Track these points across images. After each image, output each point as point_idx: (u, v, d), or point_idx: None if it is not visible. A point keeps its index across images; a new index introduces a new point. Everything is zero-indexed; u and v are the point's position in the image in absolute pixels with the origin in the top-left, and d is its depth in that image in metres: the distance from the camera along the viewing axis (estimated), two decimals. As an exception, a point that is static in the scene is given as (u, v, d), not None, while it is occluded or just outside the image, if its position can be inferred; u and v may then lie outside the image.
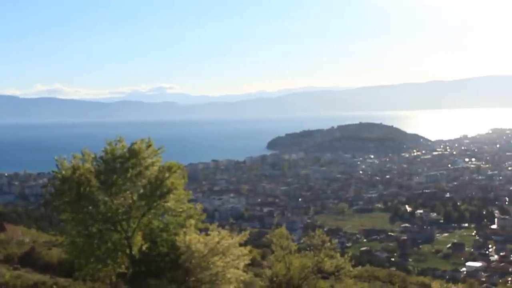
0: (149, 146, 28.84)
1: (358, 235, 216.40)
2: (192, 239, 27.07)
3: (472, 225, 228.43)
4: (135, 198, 28.40)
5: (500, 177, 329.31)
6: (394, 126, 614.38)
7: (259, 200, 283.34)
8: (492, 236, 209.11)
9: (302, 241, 34.85)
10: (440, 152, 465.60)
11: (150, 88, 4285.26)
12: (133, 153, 28.23)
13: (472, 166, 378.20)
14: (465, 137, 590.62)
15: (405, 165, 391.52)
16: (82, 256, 28.02)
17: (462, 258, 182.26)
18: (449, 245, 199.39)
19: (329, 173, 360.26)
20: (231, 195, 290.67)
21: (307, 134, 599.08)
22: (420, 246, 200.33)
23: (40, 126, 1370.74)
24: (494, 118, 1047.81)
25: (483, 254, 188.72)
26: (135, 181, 28.50)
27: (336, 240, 34.65)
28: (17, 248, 40.81)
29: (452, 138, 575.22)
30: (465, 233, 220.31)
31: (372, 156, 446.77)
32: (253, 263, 39.66)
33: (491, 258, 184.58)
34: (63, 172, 27.93)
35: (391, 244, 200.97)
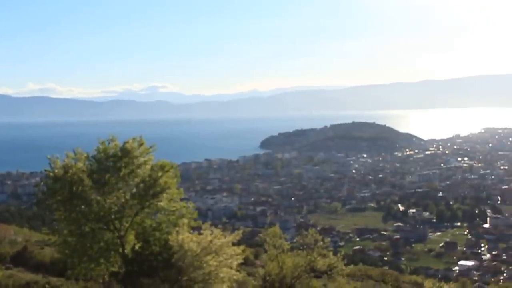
0: (141, 144, 28.80)
1: (351, 234, 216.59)
2: (185, 238, 27.05)
3: (465, 224, 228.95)
4: (127, 197, 28.36)
5: (493, 176, 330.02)
6: (387, 125, 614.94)
7: (252, 199, 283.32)
8: (485, 235, 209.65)
9: (295, 240, 34.88)
10: (432, 151, 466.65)
11: (143, 87, 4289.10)
12: (125, 152, 28.18)
13: (465, 165, 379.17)
14: (458, 136, 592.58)
15: (398, 164, 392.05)
16: (74, 255, 27.95)
17: (454, 257, 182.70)
18: (442, 244, 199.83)
19: (322, 172, 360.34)
20: (224, 194, 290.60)
21: (300, 133, 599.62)
22: (413, 245, 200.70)
23: (32, 125, 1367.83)
24: (487, 117, 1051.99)
25: (475, 253, 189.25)
26: (127, 180, 28.47)
27: (329, 239, 34.57)
28: (9, 247, 40.61)
29: (445, 137, 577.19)
30: (457, 232, 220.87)
31: (365, 155, 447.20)
32: (246, 262, 39.65)
33: (484, 257, 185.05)
34: (56, 171, 27.86)
35: (383, 243, 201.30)
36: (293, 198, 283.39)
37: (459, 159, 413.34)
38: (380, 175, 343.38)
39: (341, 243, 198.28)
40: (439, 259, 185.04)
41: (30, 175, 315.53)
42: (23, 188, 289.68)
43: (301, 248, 32.90)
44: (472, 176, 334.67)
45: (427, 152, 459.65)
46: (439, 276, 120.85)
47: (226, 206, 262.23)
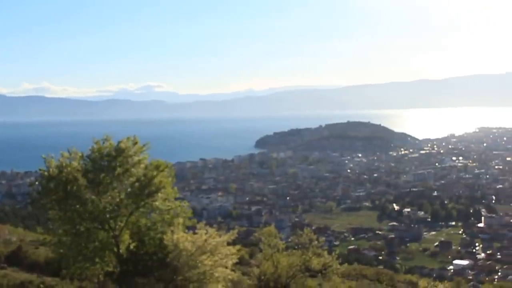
0: (135, 143, 28.77)
1: (346, 234, 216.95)
2: (180, 237, 27.03)
3: (459, 224, 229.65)
4: (122, 196, 28.33)
5: (487, 176, 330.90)
6: (382, 125, 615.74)
7: (247, 198, 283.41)
8: (479, 235, 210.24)
9: (290, 239, 34.89)
10: (427, 151, 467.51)
11: (138, 87, 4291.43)
12: (119, 152, 28.15)
13: (459, 164, 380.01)
14: (452, 136, 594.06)
15: (392, 164, 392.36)
16: (69, 254, 27.92)
17: (449, 256, 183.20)
18: (437, 243, 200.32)
19: (317, 171, 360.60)
20: (219, 193, 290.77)
21: (295, 133, 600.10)
22: (408, 245, 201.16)
23: (27, 125, 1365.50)
24: (481, 117, 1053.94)
25: (470, 252, 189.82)
26: (122, 180, 28.43)
27: (324, 239, 34.45)
28: (3, 247, 40.56)
29: (440, 137, 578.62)
30: (452, 232, 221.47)
31: (360, 155, 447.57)
32: (241, 262, 39.65)
33: (478, 256, 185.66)
34: (51, 170, 27.82)
35: (378, 242, 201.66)
36: (288, 198, 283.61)
37: (454, 158, 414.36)
38: (375, 175, 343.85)
39: (336, 243, 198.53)
40: (434, 258, 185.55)
41: (25, 175, 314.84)
42: (18, 188, 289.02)
43: (296, 247, 32.94)
44: (467, 176, 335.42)
45: (422, 152, 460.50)
46: (434, 275, 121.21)
47: (221, 206, 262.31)
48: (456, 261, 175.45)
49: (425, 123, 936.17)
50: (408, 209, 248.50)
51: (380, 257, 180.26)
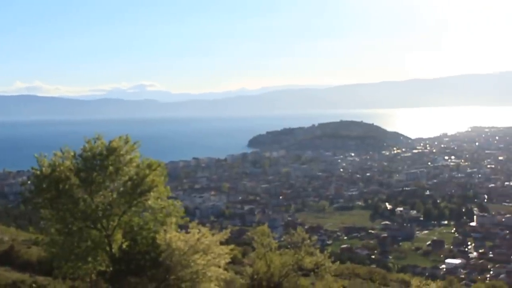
0: (126, 142, 28.74)
1: (338, 233, 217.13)
2: (173, 237, 26.99)
3: (452, 223, 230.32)
4: (115, 196, 28.29)
5: (479, 175, 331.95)
6: (375, 124, 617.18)
7: (240, 198, 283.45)
8: (471, 234, 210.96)
9: (282, 239, 34.96)
10: (420, 150, 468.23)
11: (131, 86, 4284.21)
12: (111, 151, 28.11)
13: (452, 164, 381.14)
14: (445, 135, 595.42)
15: (385, 163, 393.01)
16: (62, 254, 27.86)
17: (441, 255, 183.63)
18: (429, 242, 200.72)
19: (309, 171, 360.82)
20: (212, 193, 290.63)
21: (288, 132, 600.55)
22: (400, 244, 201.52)
23: (20, 124, 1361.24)
24: (474, 116, 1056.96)
25: (462, 251, 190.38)
26: (114, 179, 28.39)
27: (316, 238, 34.52)
28: (-4, 246, 40.45)
29: (432, 136, 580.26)
30: (444, 231, 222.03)
31: (352, 154, 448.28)
32: (234, 261, 39.65)
33: (470, 255, 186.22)
34: (43, 169, 27.76)
35: (371, 241, 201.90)
36: (281, 197, 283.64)
37: (446, 157, 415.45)
38: (368, 174, 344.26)
39: (329, 242, 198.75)
40: (426, 257, 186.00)
41: (17, 174, 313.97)
42: (10, 187, 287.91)
43: (289, 246, 32.97)
44: (459, 175, 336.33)
45: (415, 151, 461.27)
46: (426, 274, 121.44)
47: (214, 205, 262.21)
48: (449, 260, 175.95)
49: (417, 123, 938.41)
50: (401, 208, 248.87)
51: (373, 256, 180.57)
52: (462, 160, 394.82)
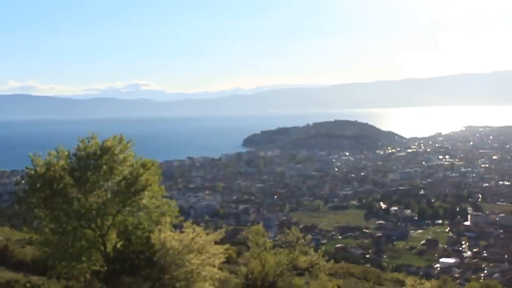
0: (120, 142, 28.70)
1: (333, 232, 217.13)
2: (167, 236, 26.95)
3: (446, 222, 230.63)
4: (109, 195, 28.24)
5: (473, 174, 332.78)
6: (369, 123, 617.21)
7: (234, 197, 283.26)
8: (465, 233, 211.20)
9: (277, 238, 35.06)
10: (414, 150, 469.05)
11: (125, 85, 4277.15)
12: (105, 150, 28.07)
13: (446, 163, 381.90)
14: (439, 134, 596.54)
15: (379, 162, 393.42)
16: (56, 253, 27.80)
17: (436, 255, 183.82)
18: (423, 241, 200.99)
19: (304, 170, 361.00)
20: (207, 192, 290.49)
21: (282, 132, 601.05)
22: (395, 243, 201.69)
23: (13, 123, 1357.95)
24: (468, 115, 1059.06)
25: (456, 250, 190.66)
26: (108, 178, 28.34)
27: (310, 237, 34.53)
28: (-11, 246, 40.32)
29: (426, 135, 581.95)
30: (439, 230, 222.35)
31: (347, 153, 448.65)
32: (228, 260, 39.64)
33: (464, 255, 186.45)
34: (38, 169, 27.70)
35: (366, 241, 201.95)
36: (275, 196, 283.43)
37: (441, 157, 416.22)
38: (362, 173, 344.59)
39: (324, 241, 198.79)
40: (420, 256, 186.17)
41: (11, 174, 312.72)
42: (4, 187, 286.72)
43: (283, 246, 33.00)
44: (453, 174, 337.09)
45: (409, 150, 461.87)
46: (421, 273, 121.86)
47: (208, 204, 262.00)
48: (443, 259, 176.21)
49: (411, 122, 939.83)
50: (395, 208, 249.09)
51: (367, 256, 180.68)
52: (457, 160, 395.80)
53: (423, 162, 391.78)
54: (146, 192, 28.31)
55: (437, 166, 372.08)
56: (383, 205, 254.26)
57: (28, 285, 30.86)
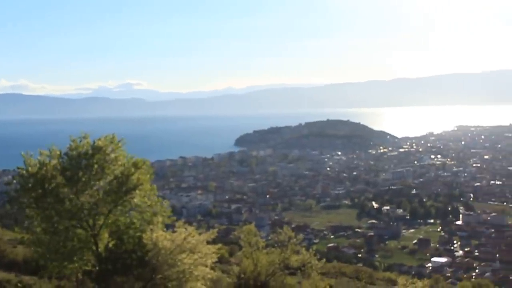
0: (112, 141, 28.65)
1: (325, 232, 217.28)
2: (159, 236, 26.93)
3: (438, 221, 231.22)
4: (100, 194, 28.18)
5: (465, 174, 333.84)
6: (361, 123, 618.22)
7: (227, 197, 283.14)
8: (457, 232, 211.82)
9: (269, 237, 35.08)
10: (406, 149, 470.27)
11: (118, 85, 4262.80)
12: (97, 150, 28.02)
13: (438, 162, 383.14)
14: (431, 134, 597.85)
15: (372, 162, 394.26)
16: (47, 253, 27.73)
17: (427, 254, 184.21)
18: (415, 241, 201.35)
19: (296, 169, 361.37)
20: (199, 192, 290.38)
21: (274, 131, 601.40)
22: (387, 242, 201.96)
23: (4, 123, 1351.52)
24: (459, 115, 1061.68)
25: (448, 249, 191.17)
26: (100, 178, 28.28)
27: (302, 236, 34.59)
28: (-19, 246, 40.17)
29: (418, 135, 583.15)
30: (430, 229, 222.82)
31: (339, 153, 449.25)
32: (220, 260, 39.64)
33: (456, 254, 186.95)
34: (29, 168, 27.62)
35: (358, 240, 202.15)
36: (267, 196, 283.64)
37: (433, 156, 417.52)
38: (354, 173, 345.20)
39: (316, 241, 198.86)
40: (412, 256, 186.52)
41: (3, 173, 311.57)
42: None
43: (276, 245, 33.02)
44: (445, 174, 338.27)
45: (401, 150, 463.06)
46: (413, 272, 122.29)
47: (200, 204, 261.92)
48: (435, 259, 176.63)
49: (403, 122, 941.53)
50: (387, 207, 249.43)
51: (359, 255, 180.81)
52: (448, 159, 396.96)
53: (415, 162, 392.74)
54: (137, 191, 28.27)
55: (429, 165, 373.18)
56: (375, 205, 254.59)
57: (19, 285, 30.79)
